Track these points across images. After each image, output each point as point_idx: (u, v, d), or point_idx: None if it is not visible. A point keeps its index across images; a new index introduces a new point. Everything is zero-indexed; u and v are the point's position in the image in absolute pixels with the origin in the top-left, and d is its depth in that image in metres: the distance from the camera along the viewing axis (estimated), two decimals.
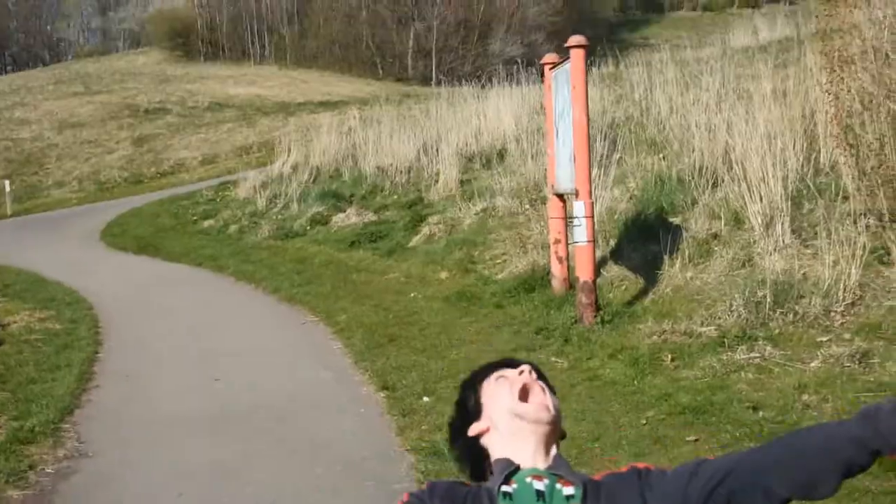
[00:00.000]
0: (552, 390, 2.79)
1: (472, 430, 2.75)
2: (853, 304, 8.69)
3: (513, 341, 9.77)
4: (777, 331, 8.46)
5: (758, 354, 8.10)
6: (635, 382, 7.97)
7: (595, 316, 9.59)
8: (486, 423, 2.73)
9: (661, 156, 13.81)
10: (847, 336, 8.25)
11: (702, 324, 8.95)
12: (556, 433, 2.74)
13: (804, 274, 9.15)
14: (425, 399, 8.31)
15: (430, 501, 2.53)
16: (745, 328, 8.55)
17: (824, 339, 8.27)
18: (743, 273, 9.62)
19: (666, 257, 10.37)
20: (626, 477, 2.60)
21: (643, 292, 10.25)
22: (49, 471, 7.18)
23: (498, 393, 2.73)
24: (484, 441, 2.73)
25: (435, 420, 7.70)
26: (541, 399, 2.69)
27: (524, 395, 2.69)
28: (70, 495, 6.68)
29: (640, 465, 2.66)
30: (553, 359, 8.96)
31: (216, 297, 14.67)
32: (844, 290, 8.71)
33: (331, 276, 14.63)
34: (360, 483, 6.50)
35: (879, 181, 9.04)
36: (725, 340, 8.42)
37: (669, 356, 8.38)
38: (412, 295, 12.68)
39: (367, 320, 11.53)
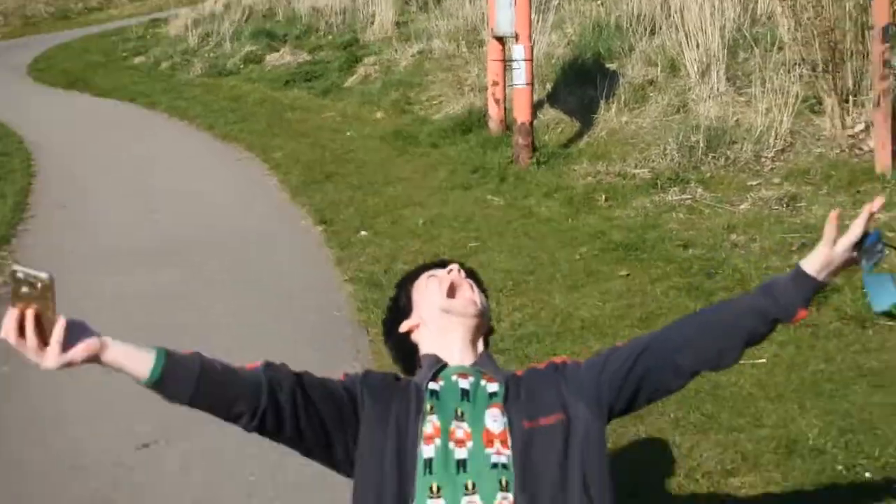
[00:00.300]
0: (481, 288, 2.94)
1: (403, 327, 2.89)
2: (783, 150, 8.91)
3: (449, 180, 9.87)
4: (709, 174, 8.67)
5: (689, 196, 8.31)
6: (570, 220, 8.14)
7: (531, 157, 9.71)
8: (417, 320, 2.86)
9: (599, 2, 13.80)
10: (776, 180, 8.48)
11: (636, 166, 9.12)
12: (482, 328, 2.86)
13: (737, 120, 9.34)
14: (362, 233, 8.44)
15: (359, 387, 2.62)
16: (678, 171, 8.74)
17: (754, 182, 8.50)
18: (677, 118, 9.77)
19: (602, 102, 10.47)
20: (545, 372, 2.72)
21: (579, 135, 10.38)
22: None
23: (428, 290, 2.86)
24: (415, 337, 2.87)
25: (372, 253, 7.85)
26: (468, 295, 2.82)
27: (452, 291, 2.82)
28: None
29: (558, 359, 2.80)
30: (489, 197, 9.10)
31: (149, 133, 14.54)
32: (776, 136, 8.92)
33: (265, 114, 14.55)
34: (303, 310, 6.65)
35: (815, 32, 9.16)
36: (658, 182, 8.60)
37: (603, 196, 8.56)
38: (348, 133, 12.68)
39: (303, 157, 11.55)
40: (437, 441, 2.51)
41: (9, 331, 2.20)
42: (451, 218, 8.51)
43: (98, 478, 4.41)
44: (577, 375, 2.67)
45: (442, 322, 2.79)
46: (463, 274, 2.90)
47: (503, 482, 2.45)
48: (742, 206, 7.98)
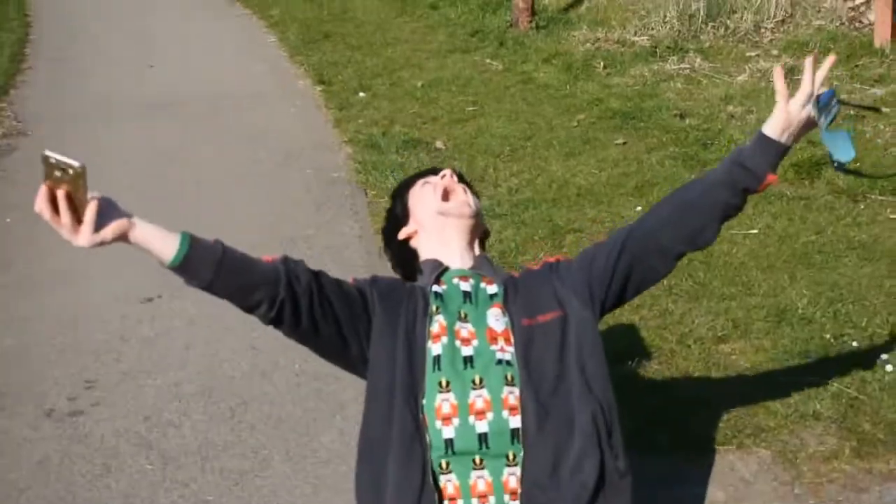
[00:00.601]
0: (473, 191, 2.99)
1: (402, 234, 2.95)
2: (783, 21, 8.90)
3: (448, 42, 9.85)
4: (708, 44, 8.67)
5: (687, 66, 8.33)
6: (568, 87, 8.16)
7: (530, 21, 9.68)
8: (414, 227, 2.93)
9: None
10: (775, 52, 8.49)
11: (635, 33, 9.11)
12: (478, 230, 2.94)
13: None
14: (361, 94, 8.45)
15: (369, 290, 2.68)
16: (677, 40, 8.74)
17: (753, 54, 8.50)
18: None
19: None
20: (540, 272, 2.81)
21: (578, 1, 10.31)
22: None
23: (423, 196, 2.92)
24: (413, 244, 2.94)
25: (371, 115, 7.88)
26: (462, 198, 2.88)
27: (446, 195, 2.88)
28: (12, 170, 6.80)
29: (552, 258, 2.89)
30: (488, 60, 9.10)
31: None
32: (776, 7, 8.91)
33: None
34: (301, 170, 6.70)
35: None
36: (657, 51, 8.61)
37: (602, 63, 8.56)
38: None
39: (301, 15, 11.47)
40: (444, 339, 2.61)
41: (42, 207, 2.27)
42: (450, 81, 8.52)
43: (105, 330, 4.51)
44: (569, 273, 2.76)
45: (438, 224, 2.87)
46: (456, 178, 2.96)
47: (508, 377, 2.55)
48: (740, 78, 8.00)
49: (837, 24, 8.60)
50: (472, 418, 2.52)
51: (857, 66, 7.90)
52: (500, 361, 2.58)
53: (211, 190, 6.28)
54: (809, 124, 2.61)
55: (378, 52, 9.66)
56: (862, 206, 5.55)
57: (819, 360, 4.02)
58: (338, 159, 6.94)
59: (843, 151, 2.76)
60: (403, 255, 2.98)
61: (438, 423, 2.52)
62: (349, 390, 3.92)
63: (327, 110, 8.15)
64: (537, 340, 2.62)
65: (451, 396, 2.54)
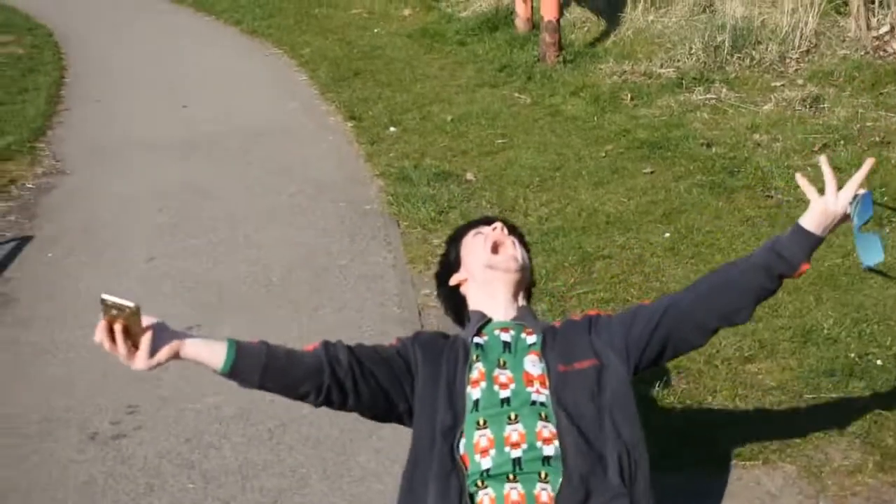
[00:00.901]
0: (524, 244, 3.20)
1: (452, 280, 3.17)
2: (808, 51, 8.99)
3: (476, 77, 9.99)
4: (733, 74, 8.77)
5: (714, 96, 8.43)
6: (595, 119, 8.27)
7: (557, 55, 9.81)
8: (465, 275, 3.14)
9: None
10: (800, 81, 8.57)
11: (661, 66, 9.22)
12: (524, 283, 3.11)
13: (763, 21, 9.38)
14: (392, 129, 8.59)
15: (412, 346, 2.89)
16: (703, 71, 8.84)
17: (778, 83, 8.59)
18: (703, 18, 9.83)
19: (629, 0, 10.52)
20: (580, 323, 3.00)
21: (605, 34, 10.45)
22: (30, 186, 7.45)
23: (474, 247, 3.12)
24: (463, 290, 3.15)
25: (401, 148, 8.01)
26: (511, 252, 3.06)
27: (496, 248, 3.07)
28: (52, 207, 6.96)
29: (592, 312, 3.08)
30: (516, 94, 9.23)
31: (177, 28, 14.63)
32: (800, 37, 9.00)
33: (293, 11, 14.61)
34: (334, 203, 6.83)
35: None
36: (683, 82, 8.71)
37: (629, 95, 8.68)
38: (375, 31, 12.77)
39: (331, 54, 11.66)
40: (483, 384, 2.77)
41: (102, 339, 2.54)
42: (479, 115, 8.64)
43: None
44: (609, 328, 2.94)
45: (486, 276, 3.05)
46: (506, 231, 3.14)
47: (542, 415, 2.70)
48: (766, 107, 8.09)
49: (862, 53, 8.67)
50: (507, 448, 2.65)
51: (881, 93, 7.99)
52: (534, 402, 2.73)
53: (244, 224, 6.41)
54: (843, 220, 2.80)
55: (407, 88, 9.81)
56: (887, 231, 5.62)
57: (844, 378, 4.09)
58: (370, 192, 7.06)
59: (873, 254, 2.92)
60: (454, 300, 3.19)
61: (477, 457, 2.65)
62: None
63: (359, 145, 8.29)
64: (571, 384, 2.78)
65: (487, 432, 2.68)
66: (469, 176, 7.15)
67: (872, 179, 6.23)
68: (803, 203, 5.70)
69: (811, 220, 2.78)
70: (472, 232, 3.17)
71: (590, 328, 2.94)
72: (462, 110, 8.86)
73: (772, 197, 6.35)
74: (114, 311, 2.48)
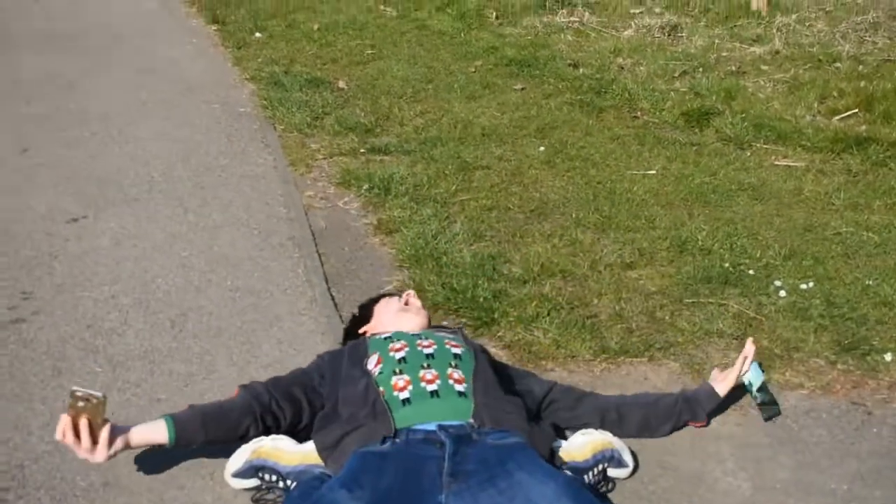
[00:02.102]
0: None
1: (362, 328, 3.57)
2: None
3: None
4: None
5: (576, 19, 8.67)
6: (462, 35, 8.41)
7: None
8: (375, 324, 3.54)
9: None
10: (658, 10, 8.87)
11: None
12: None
13: None
14: (257, 35, 8.55)
15: (324, 358, 3.30)
16: None
17: (637, 10, 8.87)
18: None
19: None
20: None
21: None
22: None
23: (388, 304, 3.59)
24: (369, 334, 3.51)
25: (269, 54, 8.00)
26: (420, 304, 3.59)
27: (407, 303, 3.57)
28: None
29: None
30: (381, 7, 9.26)
31: None
32: None
33: None
34: (207, 104, 6.79)
35: None
36: (546, 3, 8.94)
37: (494, 13, 8.84)
38: None
39: None
40: (407, 349, 3.14)
41: (66, 434, 2.76)
42: (346, 25, 8.67)
43: (33, 246, 4.58)
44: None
45: (397, 319, 3.47)
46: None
47: (453, 363, 3.07)
48: (626, 32, 8.37)
49: None
50: (422, 384, 2.97)
51: (735, 25, 8.33)
52: (455, 355, 3.13)
53: (117, 118, 6.33)
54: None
55: None
56: (748, 154, 5.95)
57: (720, 285, 4.35)
58: (242, 95, 7.04)
59: (772, 410, 3.50)
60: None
61: (395, 393, 2.97)
62: (283, 304, 4.13)
63: (225, 49, 8.23)
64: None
65: (404, 376, 3.02)
66: (341, 84, 7.20)
67: (733, 106, 6.54)
68: (668, 125, 5.98)
69: (721, 389, 3.43)
70: (386, 298, 3.64)
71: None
72: (328, 19, 8.87)
73: (638, 117, 6.60)
74: (80, 404, 2.73)
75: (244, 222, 4.93)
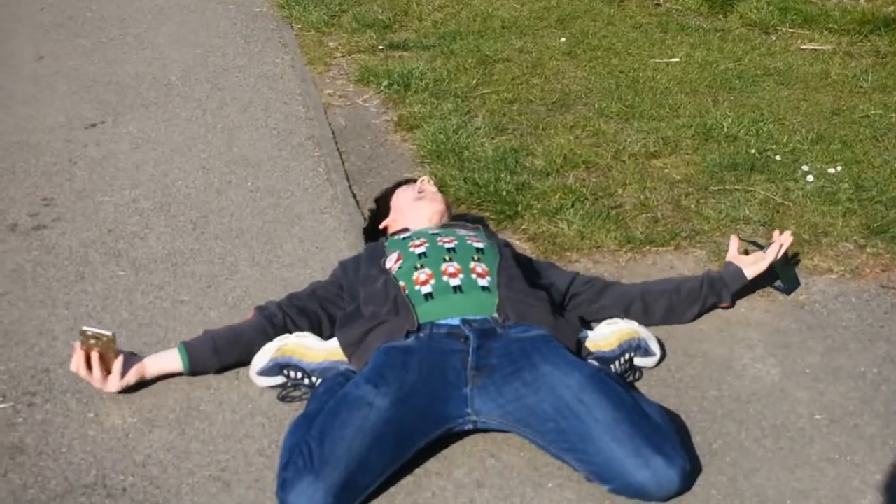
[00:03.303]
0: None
1: (382, 223, 3.50)
2: None
3: None
4: None
5: None
6: None
7: None
8: (394, 216, 3.47)
9: None
10: None
11: None
12: (447, 215, 3.45)
13: None
14: None
15: (340, 270, 3.24)
16: None
17: None
18: None
19: None
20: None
21: None
22: None
23: (405, 192, 3.51)
24: (390, 230, 3.45)
25: None
26: (435, 190, 3.52)
27: (422, 190, 3.50)
28: None
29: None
30: None
31: None
32: None
33: None
34: (222, 4, 6.71)
35: None
36: None
37: None
38: None
39: None
40: (427, 244, 3.08)
41: (79, 367, 2.82)
42: None
43: (53, 153, 4.56)
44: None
45: (415, 204, 3.41)
46: (431, 183, 3.58)
47: (475, 257, 3.02)
48: None
49: None
50: (444, 278, 2.93)
51: None
52: (477, 249, 3.08)
53: (133, 24, 6.27)
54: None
55: None
56: (774, 38, 5.84)
57: (746, 172, 4.28)
58: None
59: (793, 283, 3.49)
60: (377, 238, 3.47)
61: (417, 287, 2.93)
62: (304, 203, 4.10)
63: None
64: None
65: (426, 269, 2.97)
66: None
67: None
68: (691, 11, 5.86)
69: (750, 273, 3.35)
70: (402, 187, 3.56)
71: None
72: None
73: (660, 5, 6.48)
74: (91, 341, 2.78)
75: (263, 123, 4.89)
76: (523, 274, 3.06)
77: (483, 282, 2.93)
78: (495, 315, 2.83)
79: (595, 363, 2.84)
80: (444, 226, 3.32)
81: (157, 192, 4.22)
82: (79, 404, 2.89)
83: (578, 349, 2.88)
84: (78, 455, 2.71)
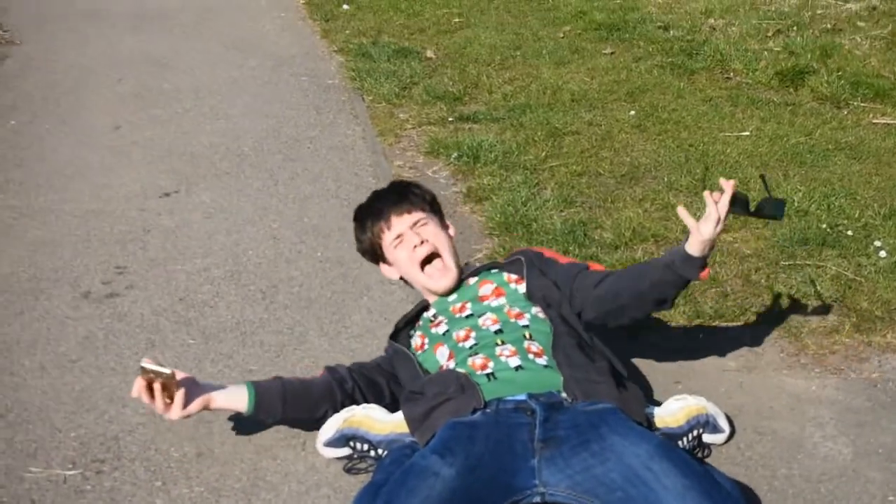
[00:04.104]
0: (441, 221, 3.39)
1: (387, 273, 3.41)
2: None
3: None
4: None
5: None
6: (549, 0, 8.30)
7: None
8: (397, 273, 3.35)
9: None
10: None
11: None
12: (456, 258, 3.31)
13: None
14: (345, 7, 8.55)
15: (389, 349, 3.21)
16: None
17: None
18: None
19: None
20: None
21: None
22: None
23: (404, 260, 3.27)
24: (387, 275, 3.43)
25: (357, 26, 8.01)
26: (440, 267, 3.24)
27: (426, 262, 3.25)
28: (7, 75, 6.84)
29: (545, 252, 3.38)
30: None
31: None
32: None
33: None
34: (295, 77, 6.82)
35: None
36: None
37: None
38: None
39: None
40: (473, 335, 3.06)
41: (140, 392, 2.81)
42: None
43: (127, 221, 4.64)
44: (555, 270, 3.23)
45: (426, 279, 3.27)
46: (423, 224, 3.28)
47: (527, 335, 3.00)
48: None
49: None
50: (503, 359, 2.92)
51: None
52: (523, 326, 3.03)
53: (209, 96, 6.38)
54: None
55: None
56: (845, 112, 5.80)
57: (817, 247, 4.24)
58: (330, 67, 7.06)
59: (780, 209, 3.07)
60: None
61: (478, 372, 2.90)
62: (372, 274, 4.09)
63: (313, 21, 8.25)
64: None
65: (479, 356, 2.94)
66: (429, 53, 7.17)
67: (829, 64, 6.39)
68: (761, 86, 5.86)
69: (692, 248, 2.85)
70: (391, 238, 3.28)
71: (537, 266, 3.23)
72: None
73: (731, 78, 6.48)
74: (151, 375, 2.78)
75: (333, 193, 4.94)
76: (575, 337, 3.01)
77: (542, 361, 2.92)
78: (563, 394, 2.81)
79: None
80: (467, 291, 3.25)
81: (228, 261, 4.27)
82: (146, 472, 2.91)
83: (648, 424, 2.85)
84: None
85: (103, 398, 3.28)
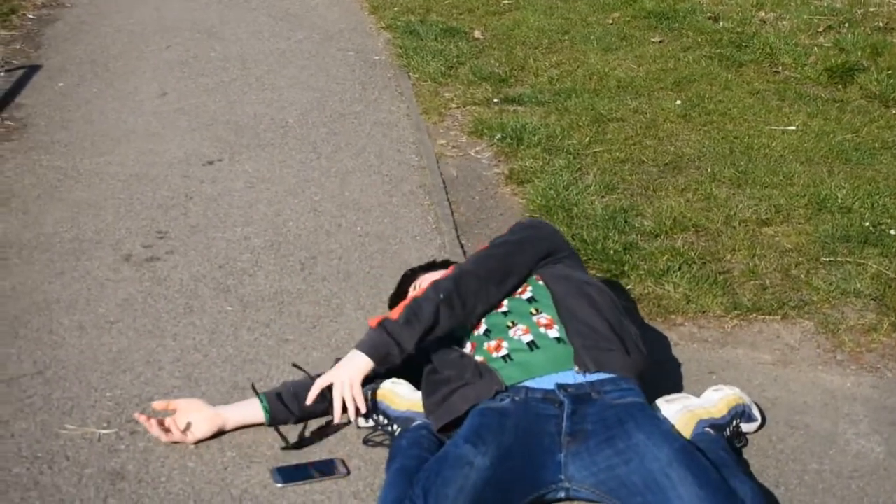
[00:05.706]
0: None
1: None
2: None
3: None
4: None
5: None
6: None
7: None
8: None
9: None
10: None
11: None
12: None
13: None
14: None
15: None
16: None
17: None
18: None
19: None
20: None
21: None
22: (31, 16, 7.35)
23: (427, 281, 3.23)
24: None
25: (406, 3, 8.01)
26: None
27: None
28: (57, 38, 6.88)
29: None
30: None
31: None
32: None
33: None
34: (342, 51, 6.82)
35: None
36: None
37: None
38: None
39: None
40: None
41: (152, 426, 2.86)
42: None
43: (170, 187, 4.68)
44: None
45: None
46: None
47: (533, 310, 3.00)
48: None
49: None
50: (516, 338, 2.93)
51: None
52: (529, 299, 3.04)
53: (255, 66, 6.39)
54: None
55: None
56: (894, 111, 5.75)
57: (859, 244, 4.22)
58: (377, 43, 7.06)
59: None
60: None
61: (493, 354, 2.91)
62: (412, 250, 4.14)
63: None
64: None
65: (493, 340, 2.95)
66: (477, 34, 7.16)
67: (879, 62, 6.32)
68: (810, 80, 5.81)
69: None
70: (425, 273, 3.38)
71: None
72: None
73: (779, 73, 6.43)
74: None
75: (376, 169, 4.95)
76: (577, 291, 3.01)
77: (553, 332, 2.91)
78: (575, 368, 2.81)
79: (710, 431, 2.81)
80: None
81: (269, 231, 4.29)
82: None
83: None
84: (177, 485, 2.75)
85: (140, 360, 3.32)
